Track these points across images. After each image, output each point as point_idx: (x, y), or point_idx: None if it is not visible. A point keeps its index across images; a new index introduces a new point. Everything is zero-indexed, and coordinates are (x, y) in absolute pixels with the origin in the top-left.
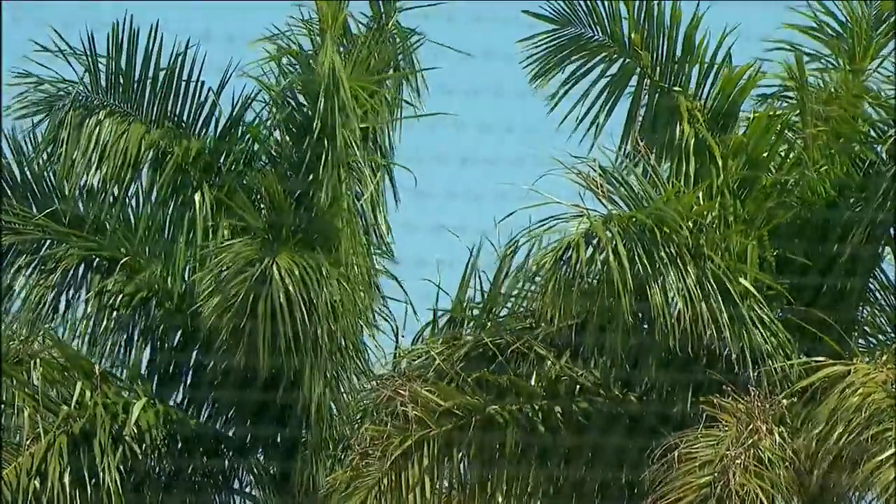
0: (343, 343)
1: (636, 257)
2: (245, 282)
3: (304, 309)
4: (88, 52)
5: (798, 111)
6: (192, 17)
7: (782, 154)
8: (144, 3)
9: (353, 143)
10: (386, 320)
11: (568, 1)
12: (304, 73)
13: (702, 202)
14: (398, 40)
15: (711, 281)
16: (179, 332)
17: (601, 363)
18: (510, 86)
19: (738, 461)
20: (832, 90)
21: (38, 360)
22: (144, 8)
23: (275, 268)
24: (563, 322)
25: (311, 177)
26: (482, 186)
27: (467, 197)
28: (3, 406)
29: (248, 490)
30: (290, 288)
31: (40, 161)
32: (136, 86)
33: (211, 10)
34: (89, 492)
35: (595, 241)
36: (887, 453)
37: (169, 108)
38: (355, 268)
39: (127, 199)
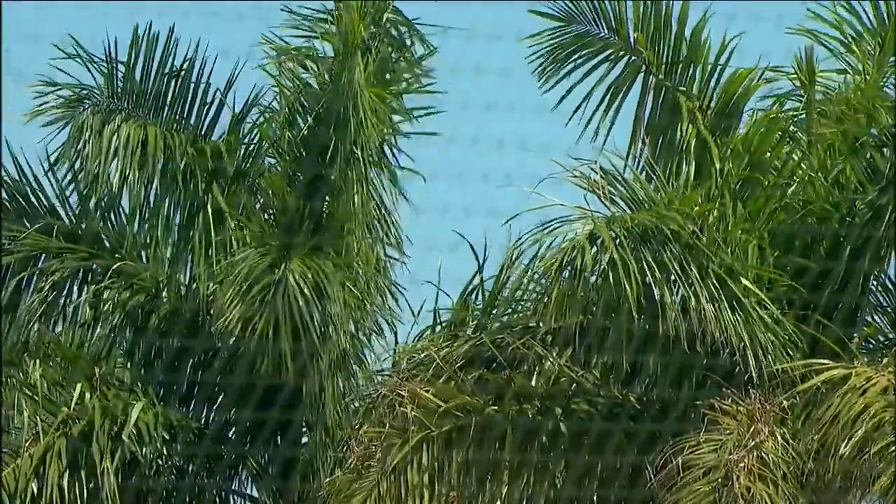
0: (347, 345)
1: (641, 257)
2: (261, 291)
3: (318, 315)
4: (109, 58)
5: (805, 111)
6: (203, 15)
7: (786, 153)
8: (155, 4)
9: (365, 152)
10: (389, 323)
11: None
12: (319, 79)
13: (702, 202)
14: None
15: (713, 279)
16: (183, 336)
17: (601, 364)
18: (514, 97)
19: (742, 465)
20: (847, 94)
21: (37, 361)
22: (153, 8)
23: (290, 275)
24: (566, 322)
25: (322, 181)
26: (484, 196)
27: (473, 209)
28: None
29: (248, 492)
30: (307, 292)
31: (48, 168)
32: (149, 91)
33: (222, 10)
34: (88, 494)
35: (599, 242)
36: (890, 470)
37: (179, 113)
38: (360, 272)
39: (140, 203)
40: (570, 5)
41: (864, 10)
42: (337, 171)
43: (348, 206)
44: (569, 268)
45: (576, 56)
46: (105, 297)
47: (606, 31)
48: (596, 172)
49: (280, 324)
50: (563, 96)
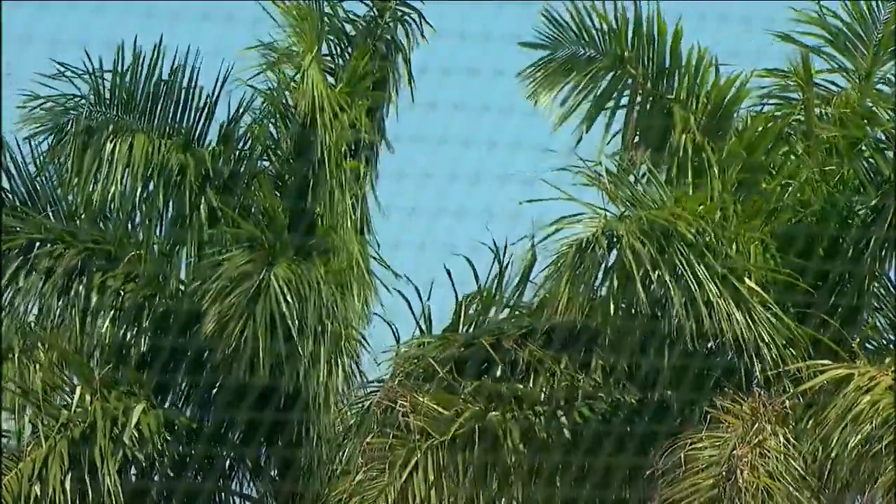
0: (339, 351)
1: (650, 253)
2: (243, 293)
3: (300, 318)
4: (93, 68)
5: (801, 112)
6: (188, 20)
7: (782, 155)
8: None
9: (341, 157)
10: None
11: (557, 26)
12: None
13: (705, 204)
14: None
15: (718, 279)
16: (178, 338)
17: (604, 363)
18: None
19: (745, 460)
20: (843, 96)
21: (38, 364)
22: (142, 8)
23: (273, 278)
24: (573, 319)
25: (308, 188)
26: (479, 203)
27: (476, 214)
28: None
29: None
30: (288, 297)
31: (43, 176)
32: (138, 99)
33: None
34: (90, 497)
35: (612, 235)
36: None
37: (169, 120)
38: (352, 277)
39: (132, 209)
40: (554, 31)
41: (862, 10)
42: (325, 174)
43: (333, 210)
44: (582, 261)
45: (566, 80)
46: (103, 297)
47: (593, 50)
48: (602, 176)
49: (259, 325)
50: (560, 122)
